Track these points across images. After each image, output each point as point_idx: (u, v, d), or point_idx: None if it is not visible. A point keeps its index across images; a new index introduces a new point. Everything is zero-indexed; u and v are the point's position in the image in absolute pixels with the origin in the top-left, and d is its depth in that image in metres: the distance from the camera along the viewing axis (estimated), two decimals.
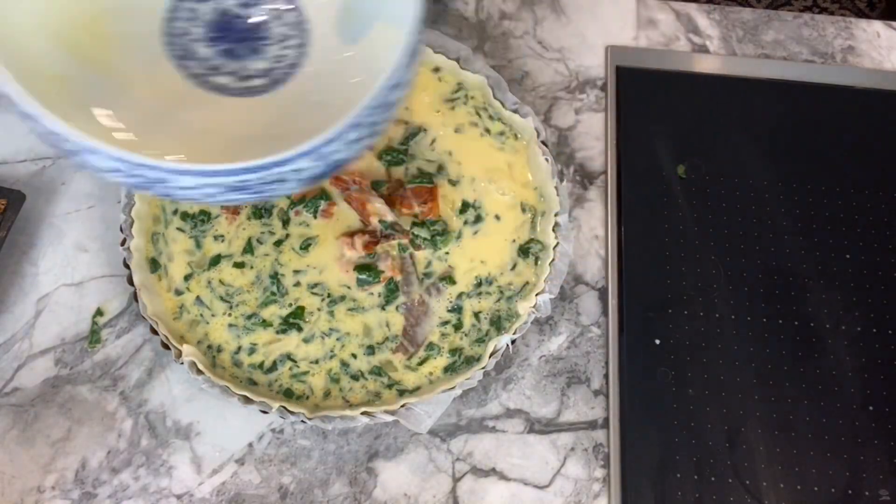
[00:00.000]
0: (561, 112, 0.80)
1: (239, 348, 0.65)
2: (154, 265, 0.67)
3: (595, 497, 0.64)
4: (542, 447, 0.65)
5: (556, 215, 0.69)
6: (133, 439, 0.63)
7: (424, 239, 0.68)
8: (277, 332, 0.65)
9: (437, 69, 0.76)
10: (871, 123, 0.81)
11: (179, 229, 0.68)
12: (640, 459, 0.65)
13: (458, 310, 0.67)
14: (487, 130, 0.74)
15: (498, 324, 0.67)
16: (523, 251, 0.69)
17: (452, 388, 0.62)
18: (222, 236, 0.68)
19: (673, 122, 0.80)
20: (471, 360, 0.65)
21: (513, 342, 0.65)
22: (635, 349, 0.69)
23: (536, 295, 0.66)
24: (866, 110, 0.82)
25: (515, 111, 0.74)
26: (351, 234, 0.68)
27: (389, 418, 0.61)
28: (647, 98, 0.81)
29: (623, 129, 0.79)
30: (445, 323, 0.67)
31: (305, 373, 0.64)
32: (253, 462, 0.63)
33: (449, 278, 0.68)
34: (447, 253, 0.69)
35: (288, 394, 0.63)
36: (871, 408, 0.68)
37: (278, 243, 0.68)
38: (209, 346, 0.65)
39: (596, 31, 0.84)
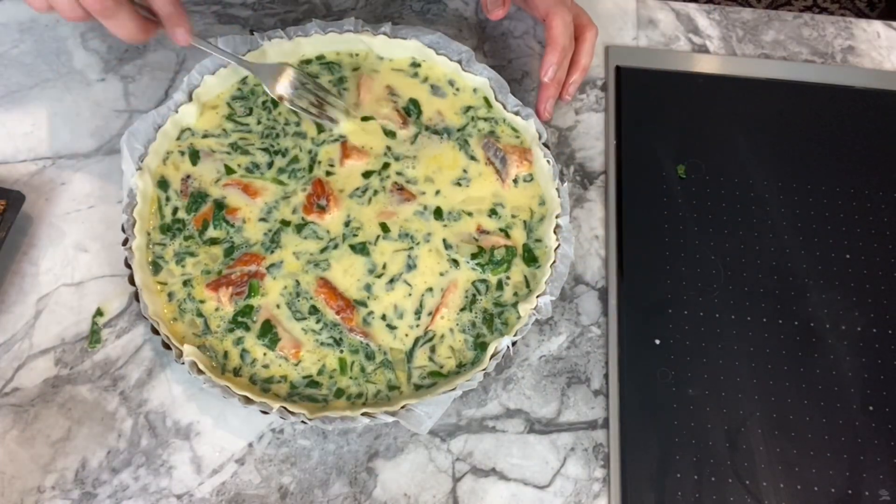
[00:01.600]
0: (561, 112, 0.80)
1: (243, 358, 0.65)
2: (156, 267, 0.67)
3: (595, 497, 0.64)
4: (542, 447, 0.65)
5: (556, 217, 0.69)
6: (133, 439, 0.63)
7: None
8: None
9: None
10: (871, 123, 0.81)
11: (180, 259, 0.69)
12: (640, 459, 0.65)
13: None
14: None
15: (490, 323, 0.67)
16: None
17: (453, 388, 0.62)
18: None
19: (673, 122, 0.80)
20: (472, 362, 0.65)
21: (513, 343, 0.65)
22: (635, 349, 0.69)
23: (537, 297, 0.66)
24: (866, 110, 0.82)
25: (517, 113, 0.74)
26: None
27: (390, 419, 0.61)
28: (647, 98, 0.81)
29: (623, 129, 0.79)
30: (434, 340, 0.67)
31: (317, 384, 0.64)
32: (253, 462, 0.63)
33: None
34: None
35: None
36: (871, 408, 0.68)
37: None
38: (212, 353, 0.65)
39: None
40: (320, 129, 0.74)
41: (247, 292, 0.66)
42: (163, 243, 0.68)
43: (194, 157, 0.71)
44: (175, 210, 0.69)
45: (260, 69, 0.72)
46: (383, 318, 0.66)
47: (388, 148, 0.73)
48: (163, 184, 0.70)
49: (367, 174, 0.72)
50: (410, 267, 0.68)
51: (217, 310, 0.66)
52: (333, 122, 0.73)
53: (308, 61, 0.77)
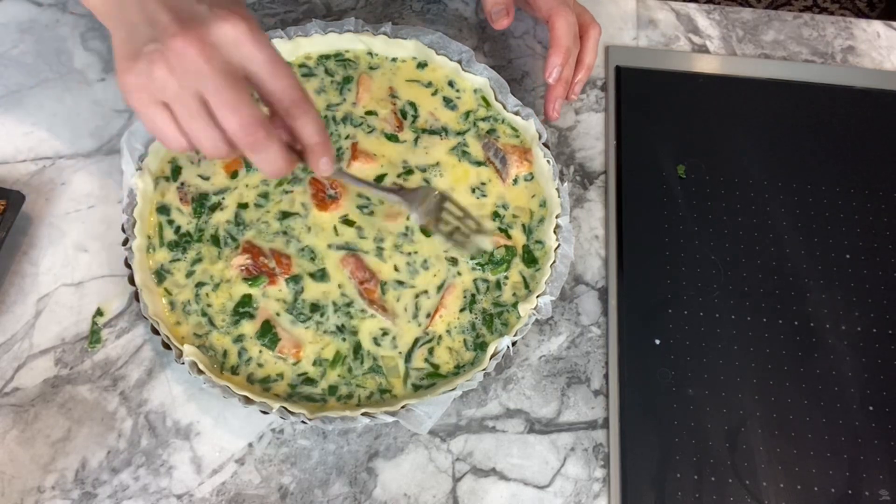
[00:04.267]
0: (561, 112, 0.80)
1: (241, 356, 0.65)
2: (159, 277, 0.67)
3: (595, 497, 0.64)
4: (542, 447, 0.65)
5: (556, 217, 0.69)
6: (133, 439, 0.63)
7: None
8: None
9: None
10: (871, 123, 0.81)
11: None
12: (640, 459, 0.65)
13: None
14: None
15: (490, 323, 0.67)
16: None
17: (453, 388, 0.62)
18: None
19: (673, 122, 0.80)
20: (473, 362, 0.65)
21: (513, 343, 0.65)
22: (635, 349, 0.69)
23: (537, 297, 0.66)
24: (866, 110, 0.82)
25: (517, 113, 0.74)
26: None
27: (390, 419, 0.61)
28: (647, 98, 0.81)
29: (623, 129, 0.79)
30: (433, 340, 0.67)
31: (312, 381, 0.64)
32: (253, 462, 0.63)
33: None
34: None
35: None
36: (871, 408, 0.68)
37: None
38: (213, 352, 0.65)
39: None
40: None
41: (253, 278, 0.66)
42: (177, 258, 0.67)
43: (175, 172, 0.71)
44: (178, 229, 0.69)
45: (408, 196, 0.67)
46: (400, 283, 0.67)
47: (405, 161, 0.73)
48: (163, 209, 0.69)
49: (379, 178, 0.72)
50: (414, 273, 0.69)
51: (221, 307, 0.66)
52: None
53: (327, 56, 0.77)
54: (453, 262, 0.69)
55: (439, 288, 0.68)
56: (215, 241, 0.68)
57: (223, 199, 0.70)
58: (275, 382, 0.64)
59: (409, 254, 0.69)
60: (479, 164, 0.73)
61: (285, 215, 0.70)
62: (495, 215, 0.71)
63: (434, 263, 0.69)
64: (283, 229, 0.69)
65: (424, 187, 0.70)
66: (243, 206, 0.70)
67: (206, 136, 0.51)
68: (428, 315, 0.67)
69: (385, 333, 0.66)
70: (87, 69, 0.78)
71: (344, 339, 0.65)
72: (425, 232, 0.70)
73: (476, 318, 0.67)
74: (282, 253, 0.68)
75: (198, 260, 0.67)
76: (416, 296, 0.67)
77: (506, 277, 0.68)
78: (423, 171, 0.72)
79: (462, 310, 0.67)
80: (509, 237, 0.70)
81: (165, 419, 0.64)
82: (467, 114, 0.75)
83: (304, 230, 0.69)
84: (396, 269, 0.68)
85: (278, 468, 0.63)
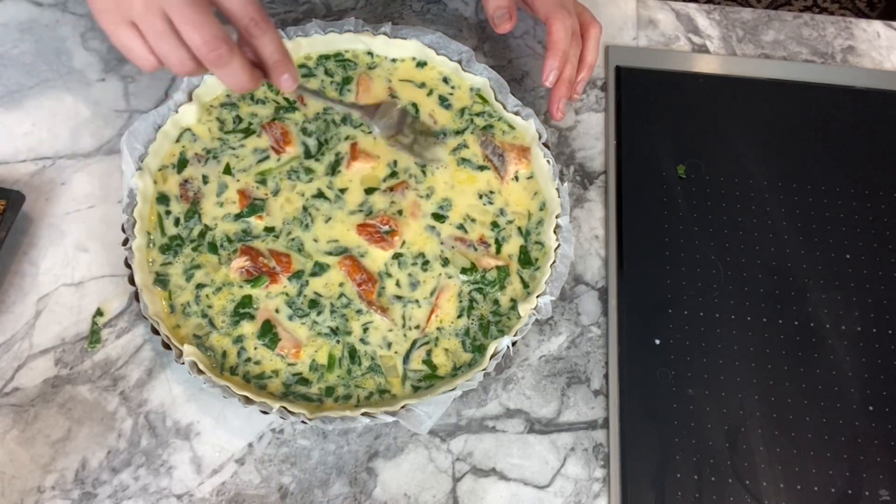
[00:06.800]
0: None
1: (240, 355, 0.65)
2: (162, 284, 0.66)
3: (595, 497, 0.64)
4: (542, 447, 0.65)
5: (556, 217, 0.69)
6: (133, 439, 0.63)
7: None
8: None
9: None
10: (871, 123, 0.81)
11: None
12: (640, 459, 0.65)
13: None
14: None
15: (486, 329, 0.67)
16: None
17: (453, 388, 0.62)
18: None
19: (673, 122, 0.80)
20: (471, 363, 0.65)
21: (513, 343, 0.65)
22: (635, 349, 0.69)
23: (537, 297, 0.66)
24: (866, 110, 0.82)
25: (517, 113, 0.74)
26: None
27: (390, 419, 0.61)
28: (647, 98, 0.81)
29: (623, 129, 0.79)
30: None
31: (307, 381, 0.64)
32: (253, 462, 0.63)
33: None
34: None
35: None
36: (871, 408, 0.68)
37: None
38: (212, 352, 0.65)
39: None
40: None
41: (254, 279, 0.66)
42: (168, 262, 0.67)
43: (181, 165, 0.71)
44: (177, 221, 0.68)
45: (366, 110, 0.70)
46: (398, 298, 0.67)
47: (396, 162, 0.73)
48: (162, 198, 0.69)
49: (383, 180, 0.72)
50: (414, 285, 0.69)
51: (222, 308, 0.66)
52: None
53: (327, 56, 0.76)
54: (444, 261, 0.69)
55: (433, 291, 0.68)
56: (212, 248, 0.68)
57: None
58: (269, 379, 0.63)
59: (403, 253, 0.69)
60: (482, 168, 0.73)
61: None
62: (494, 225, 0.71)
63: (429, 263, 0.69)
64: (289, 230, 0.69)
65: (386, 102, 0.72)
66: None
67: (172, 53, 0.54)
68: (420, 323, 0.67)
69: (382, 333, 0.66)
70: (87, 69, 0.78)
71: (338, 342, 0.65)
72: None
73: (472, 323, 0.67)
74: (280, 252, 0.68)
75: (196, 266, 0.67)
76: (412, 298, 0.67)
77: (503, 287, 0.68)
78: (423, 165, 0.73)
79: (459, 316, 0.67)
80: (499, 252, 0.69)
81: (165, 419, 0.64)
82: (462, 110, 0.75)
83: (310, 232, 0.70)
84: (395, 276, 0.68)
85: (278, 468, 0.63)
